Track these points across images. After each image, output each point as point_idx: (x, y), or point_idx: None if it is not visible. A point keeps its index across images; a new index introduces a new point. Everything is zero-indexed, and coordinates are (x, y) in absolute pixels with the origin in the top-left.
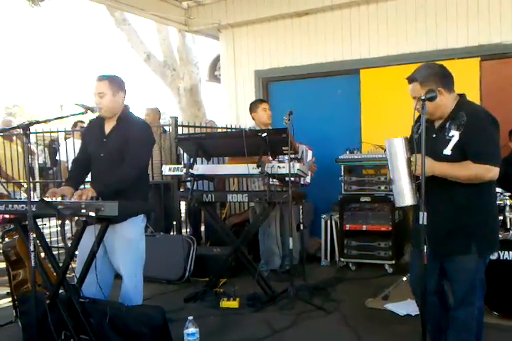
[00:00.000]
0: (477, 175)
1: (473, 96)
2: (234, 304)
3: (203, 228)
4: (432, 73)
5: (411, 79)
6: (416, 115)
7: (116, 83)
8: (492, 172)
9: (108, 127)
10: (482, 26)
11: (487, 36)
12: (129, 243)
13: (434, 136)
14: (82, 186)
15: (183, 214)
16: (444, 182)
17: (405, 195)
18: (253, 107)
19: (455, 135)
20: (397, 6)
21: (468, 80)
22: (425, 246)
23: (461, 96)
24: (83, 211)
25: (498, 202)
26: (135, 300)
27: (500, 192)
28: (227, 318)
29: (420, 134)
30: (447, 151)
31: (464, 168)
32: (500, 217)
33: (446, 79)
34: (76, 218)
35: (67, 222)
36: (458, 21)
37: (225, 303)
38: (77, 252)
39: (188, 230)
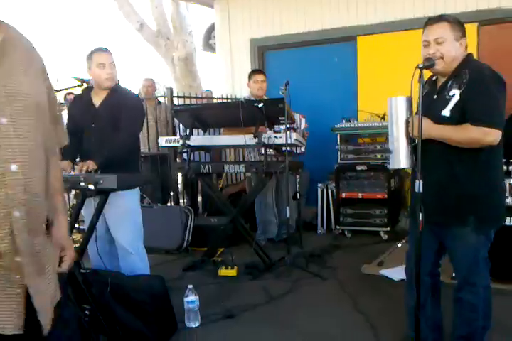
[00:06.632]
0: (473, 139)
1: None
2: (232, 272)
3: (200, 198)
4: (458, 20)
5: (440, 18)
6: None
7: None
8: (491, 135)
9: (98, 98)
10: None
11: (485, 1)
12: (125, 214)
13: (436, 97)
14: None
15: (179, 186)
16: (441, 146)
17: (400, 157)
18: (248, 77)
19: (456, 94)
20: None
21: None
22: (420, 214)
23: (469, 54)
24: (82, 184)
25: None
26: (144, 269)
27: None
28: (226, 286)
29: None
30: (446, 112)
31: (461, 130)
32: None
33: (464, 32)
34: (74, 191)
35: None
36: None
37: (223, 272)
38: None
39: (185, 201)
